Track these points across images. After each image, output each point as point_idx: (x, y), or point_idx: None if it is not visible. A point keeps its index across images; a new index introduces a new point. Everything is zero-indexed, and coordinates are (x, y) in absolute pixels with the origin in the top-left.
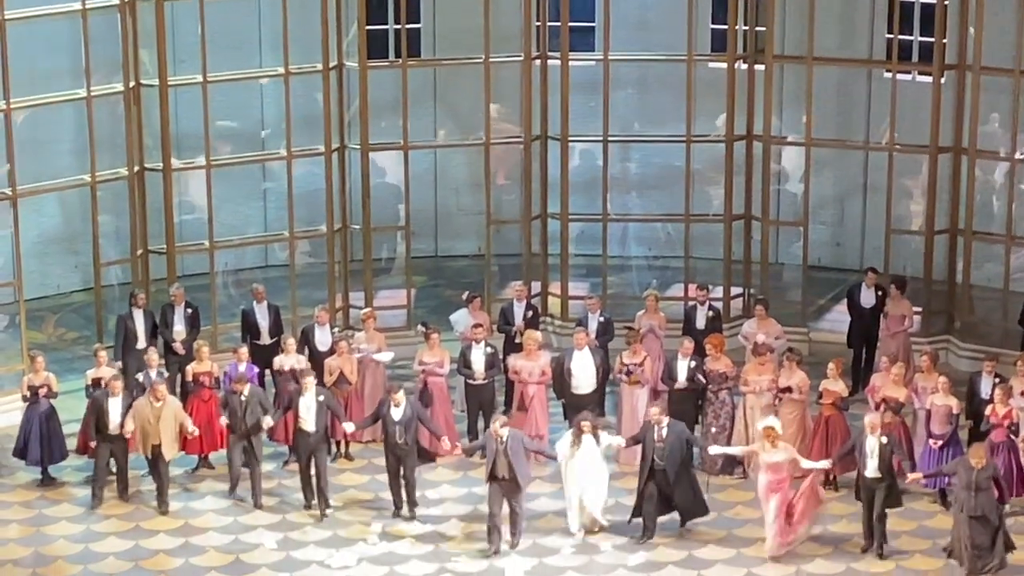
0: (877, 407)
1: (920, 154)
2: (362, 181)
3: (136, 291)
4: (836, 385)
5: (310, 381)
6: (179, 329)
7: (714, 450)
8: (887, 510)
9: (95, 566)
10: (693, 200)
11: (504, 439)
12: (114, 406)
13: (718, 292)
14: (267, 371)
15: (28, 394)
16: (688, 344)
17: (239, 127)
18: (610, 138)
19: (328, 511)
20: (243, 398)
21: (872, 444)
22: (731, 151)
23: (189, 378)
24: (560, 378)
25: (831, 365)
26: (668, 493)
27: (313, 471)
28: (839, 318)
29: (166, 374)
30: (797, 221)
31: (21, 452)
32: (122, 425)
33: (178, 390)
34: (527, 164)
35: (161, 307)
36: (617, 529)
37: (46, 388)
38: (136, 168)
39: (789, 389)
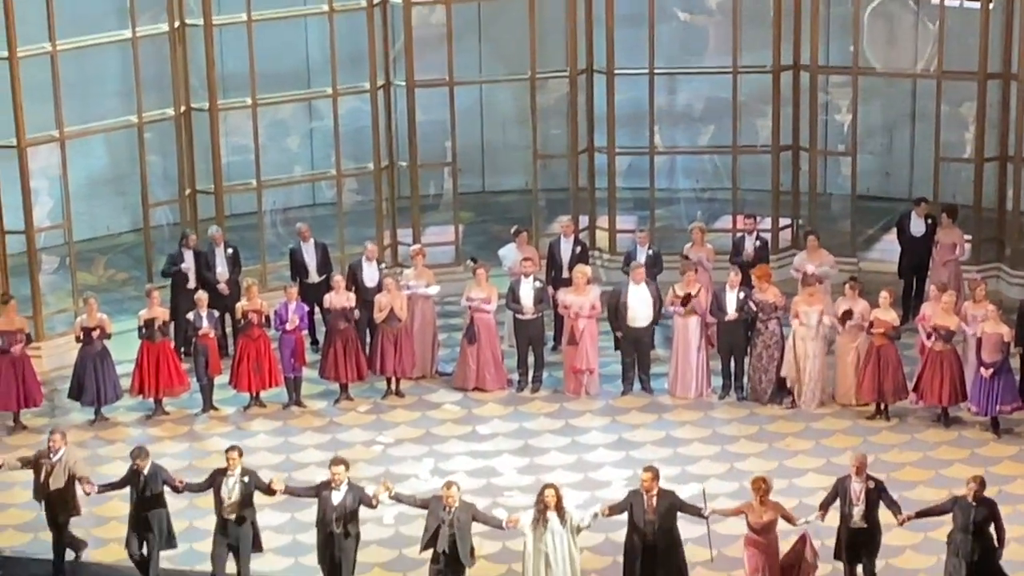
0: (929, 336)
1: (969, 81)
2: (408, 118)
3: (187, 231)
4: (887, 315)
5: (235, 458)
6: (221, 270)
7: (712, 517)
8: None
9: None
10: (740, 131)
11: (453, 509)
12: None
13: (766, 224)
14: (317, 309)
15: (82, 335)
16: (736, 276)
17: (284, 66)
18: (656, 71)
19: None
20: (144, 476)
21: (858, 488)
22: (778, 81)
23: (239, 315)
24: (615, 312)
25: (883, 294)
26: (653, 572)
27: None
28: (888, 248)
29: (216, 314)
30: (845, 151)
31: (76, 393)
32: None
33: (228, 330)
34: (573, 98)
35: (202, 250)
36: None
37: (100, 330)
38: (182, 108)
39: (850, 313)
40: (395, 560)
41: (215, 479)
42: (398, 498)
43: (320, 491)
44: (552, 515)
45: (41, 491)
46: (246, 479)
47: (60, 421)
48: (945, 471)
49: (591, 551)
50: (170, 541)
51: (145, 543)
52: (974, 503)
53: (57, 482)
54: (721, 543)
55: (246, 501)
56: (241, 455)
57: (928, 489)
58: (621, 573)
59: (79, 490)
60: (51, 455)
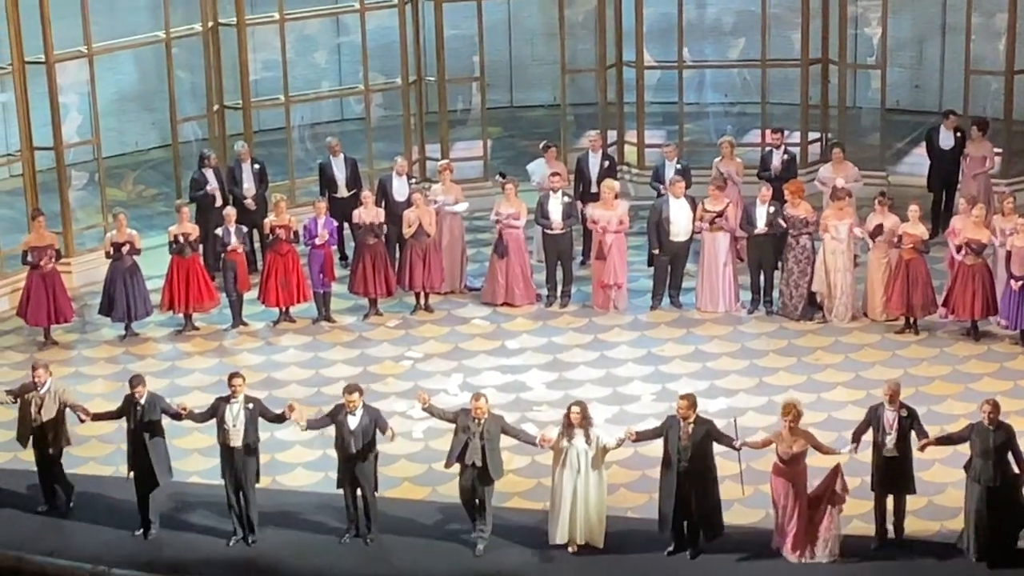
0: (959, 250)
1: None
2: (436, 32)
3: (205, 151)
4: (916, 228)
5: (240, 384)
6: (248, 186)
7: (744, 447)
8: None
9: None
10: (770, 45)
11: (483, 420)
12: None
13: (795, 138)
14: (346, 224)
15: (111, 251)
16: (766, 190)
17: None
18: None
19: (253, 541)
20: (140, 404)
21: (891, 417)
22: None
23: (267, 231)
24: (657, 228)
25: (912, 208)
26: (686, 500)
27: (241, 496)
28: (918, 161)
29: (244, 230)
30: (875, 64)
31: (106, 309)
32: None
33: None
34: (601, 12)
35: (228, 166)
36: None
37: (129, 245)
38: (210, 23)
39: (881, 228)
40: (424, 474)
41: (218, 407)
42: (430, 411)
43: (336, 415)
44: (578, 433)
45: (27, 428)
46: (250, 406)
47: (90, 337)
48: (974, 385)
49: (619, 465)
50: (167, 472)
51: (144, 476)
52: (991, 427)
53: (49, 412)
54: (749, 457)
55: (251, 428)
56: (244, 381)
57: (957, 403)
58: (656, 494)
59: (73, 419)
60: (38, 388)
